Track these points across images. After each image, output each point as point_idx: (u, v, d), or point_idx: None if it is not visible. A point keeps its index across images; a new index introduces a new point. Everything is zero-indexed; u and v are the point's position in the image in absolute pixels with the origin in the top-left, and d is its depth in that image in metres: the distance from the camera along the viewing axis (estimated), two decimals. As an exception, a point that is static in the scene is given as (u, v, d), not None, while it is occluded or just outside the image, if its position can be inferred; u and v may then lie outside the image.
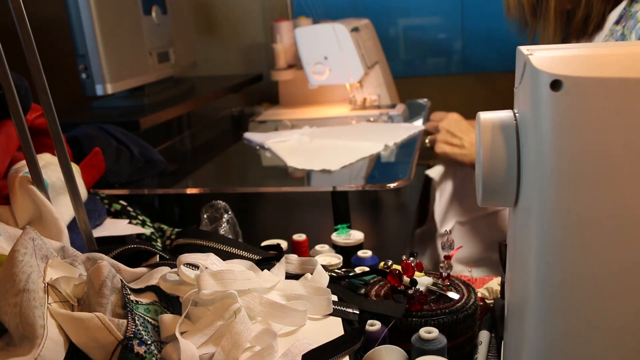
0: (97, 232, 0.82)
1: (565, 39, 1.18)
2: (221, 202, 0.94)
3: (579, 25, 1.13)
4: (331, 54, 1.57)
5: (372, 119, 1.46)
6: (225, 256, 0.68)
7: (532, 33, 1.20)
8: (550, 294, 0.44)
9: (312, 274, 0.68)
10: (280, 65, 1.70)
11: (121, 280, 0.54)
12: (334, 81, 1.60)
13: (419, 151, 1.25)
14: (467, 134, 1.26)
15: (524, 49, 0.46)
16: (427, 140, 1.32)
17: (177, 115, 1.50)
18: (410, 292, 0.68)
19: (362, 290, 0.72)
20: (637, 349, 0.44)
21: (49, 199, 0.71)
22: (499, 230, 1.31)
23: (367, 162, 1.17)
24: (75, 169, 0.85)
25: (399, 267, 0.71)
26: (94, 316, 0.49)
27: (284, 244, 0.88)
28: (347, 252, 0.86)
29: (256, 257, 0.73)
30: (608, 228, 0.42)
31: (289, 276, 0.69)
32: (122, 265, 0.61)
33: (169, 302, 0.59)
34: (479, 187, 0.50)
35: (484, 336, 0.69)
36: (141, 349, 0.49)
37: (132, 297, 0.55)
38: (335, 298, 0.66)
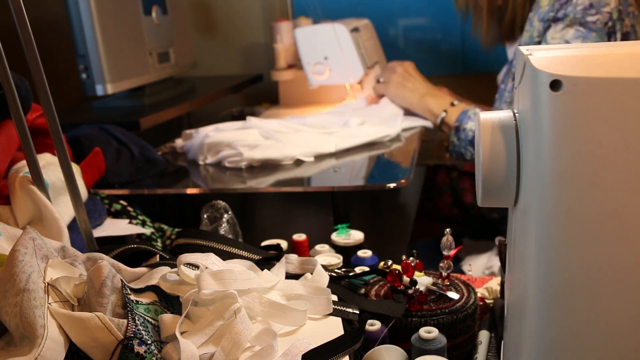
0: (97, 232, 0.82)
1: (499, 40, 1.37)
2: (221, 202, 0.94)
3: (507, 29, 1.34)
4: (331, 54, 1.57)
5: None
6: (225, 256, 0.69)
7: (474, 26, 1.39)
8: (549, 293, 0.44)
9: (312, 274, 0.68)
10: (280, 65, 1.70)
11: (121, 280, 0.54)
12: (334, 81, 1.60)
13: (419, 151, 1.25)
14: (419, 82, 1.45)
15: (523, 49, 0.46)
16: (381, 79, 1.51)
17: (177, 115, 1.50)
18: (410, 292, 0.68)
19: (362, 290, 0.72)
20: (636, 348, 0.44)
21: (49, 199, 0.71)
22: None
23: (368, 161, 1.17)
24: (76, 169, 0.85)
25: (398, 267, 0.71)
26: (94, 316, 0.49)
27: (284, 244, 0.88)
28: (347, 252, 0.86)
29: (256, 257, 0.73)
30: (607, 228, 0.42)
31: (289, 276, 0.69)
32: (122, 265, 0.61)
33: (169, 302, 0.59)
34: (479, 187, 0.50)
35: (483, 336, 0.69)
36: (141, 349, 0.49)
37: (132, 297, 0.55)
38: (335, 298, 0.66)
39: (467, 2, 1.38)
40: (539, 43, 1.21)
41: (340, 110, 1.51)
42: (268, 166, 1.14)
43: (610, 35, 1.16)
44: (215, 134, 1.22)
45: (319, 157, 1.18)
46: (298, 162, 1.15)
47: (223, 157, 1.17)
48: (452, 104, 1.36)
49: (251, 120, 1.31)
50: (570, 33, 1.15)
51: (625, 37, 1.19)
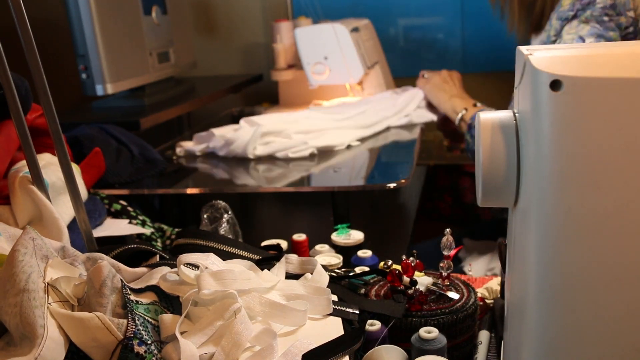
0: (97, 232, 0.82)
1: (528, 31, 1.35)
2: (221, 202, 0.94)
3: (536, 20, 1.31)
4: (331, 54, 1.57)
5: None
6: (225, 256, 0.69)
7: (510, 23, 1.37)
8: (549, 293, 0.44)
9: (312, 274, 0.68)
10: (280, 65, 1.70)
11: (121, 280, 0.54)
12: (334, 81, 1.60)
13: (419, 151, 1.25)
14: (456, 87, 1.49)
15: (523, 49, 0.46)
16: (425, 75, 1.56)
17: (177, 115, 1.50)
18: (410, 292, 0.68)
19: (362, 290, 0.72)
20: (637, 347, 0.44)
21: (49, 199, 0.71)
22: None
23: (368, 161, 1.17)
24: (76, 169, 0.85)
25: (399, 267, 0.71)
26: (94, 316, 0.49)
27: (284, 244, 0.88)
28: (347, 252, 0.86)
29: (256, 257, 0.73)
30: (607, 227, 0.42)
31: (289, 276, 0.69)
32: (122, 265, 0.61)
33: (169, 302, 0.59)
34: (479, 187, 0.50)
35: (483, 336, 0.69)
36: (141, 349, 0.49)
37: (132, 297, 0.55)
38: (335, 298, 0.66)
39: None
40: (555, 42, 1.20)
41: (366, 100, 1.53)
42: (270, 165, 1.14)
43: (630, 40, 1.14)
44: (268, 126, 1.23)
45: (323, 154, 1.19)
46: (349, 147, 1.23)
47: (286, 147, 1.18)
48: (475, 105, 1.38)
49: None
50: (585, 29, 1.12)
51: None
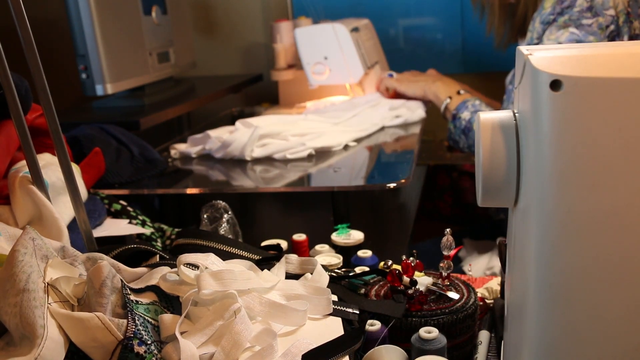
0: (97, 232, 0.82)
1: (510, 35, 1.37)
2: (221, 202, 0.94)
3: (519, 23, 1.32)
4: (331, 54, 1.57)
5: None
6: (225, 256, 0.68)
7: (489, 25, 1.39)
8: (549, 293, 0.44)
9: (312, 274, 0.68)
10: (280, 65, 1.70)
11: (121, 280, 0.54)
12: (334, 81, 1.60)
13: (419, 151, 1.25)
14: (423, 76, 1.50)
15: (523, 48, 0.46)
16: (394, 75, 1.57)
17: (177, 115, 1.50)
18: (410, 292, 0.68)
19: (362, 290, 0.72)
20: (636, 347, 0.44)
21: (49, 199, 0.71)
22: None
23: (368, 161, 1.17)
24: (76, 169, 0.85)
25: (399, 267, 0.71)
26: (94, 316, 0.49)
27: (284, 244, 0.88)
28: (347, 252, 0.86)
29: (256, 257, 0.73)
30: (607, 227, 0.42)
31: (289, 276, 0.69)
32: (122, 265, 0.61)
33: (169, 302, 0.59)
34: (479, 187, 0.50)
35: (483, 336, 0.69)
36: (141, 349, 0.49)
37: (132, 297, 0.55)
38: (335, 298, 0.66)
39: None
40: (537, 45, 1.19)
41: (355, 101, 1.52)
42: (267, 166, 1.14)
43: (613, 39, 1.11)
44: (265, 128, 1.23)
45: (323, 154, 1.19)
46: (346, 147, 1.24)
47: (283, 149, 1.18)
48: (458, 93, 1.39)
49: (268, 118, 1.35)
50: (564, 35, 1.11)
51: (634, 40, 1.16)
